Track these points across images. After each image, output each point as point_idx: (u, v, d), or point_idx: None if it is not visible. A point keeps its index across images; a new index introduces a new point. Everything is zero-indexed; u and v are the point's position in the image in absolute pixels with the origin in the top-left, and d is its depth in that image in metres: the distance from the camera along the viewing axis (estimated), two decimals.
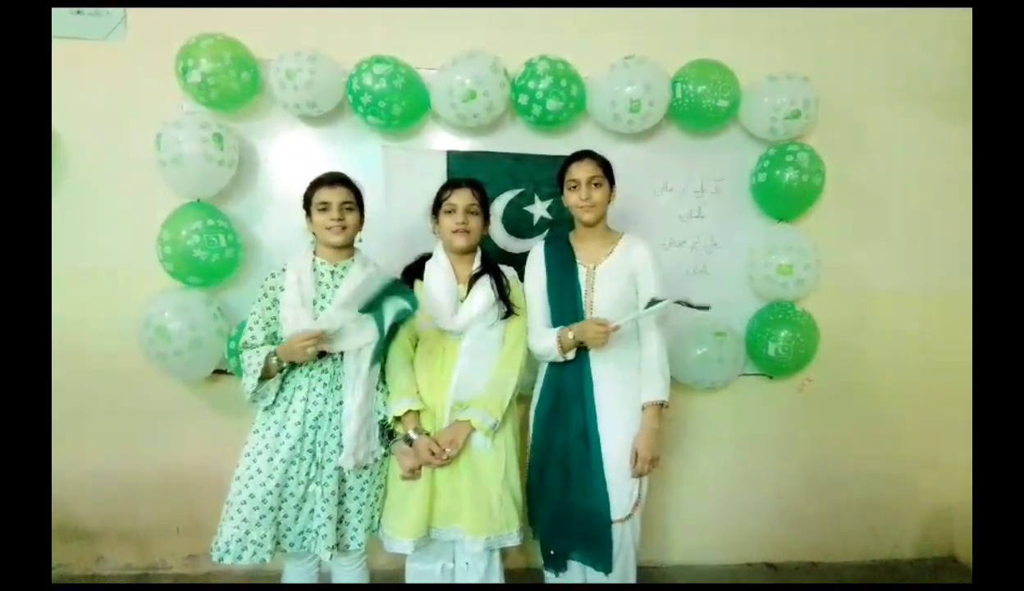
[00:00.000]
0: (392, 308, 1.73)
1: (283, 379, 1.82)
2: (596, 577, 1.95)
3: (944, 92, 2.66)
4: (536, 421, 1.99)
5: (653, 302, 1.81)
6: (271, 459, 1.77)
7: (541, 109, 2.25)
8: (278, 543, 1.80)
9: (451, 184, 1.96)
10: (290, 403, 1.80)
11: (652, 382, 1.91)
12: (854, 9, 2.58)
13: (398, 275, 1.98)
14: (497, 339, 1.92)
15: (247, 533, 1.75)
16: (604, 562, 1.90)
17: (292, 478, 1.79)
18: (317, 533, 1.79)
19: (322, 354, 1.80)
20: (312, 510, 1.80)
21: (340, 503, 1.81)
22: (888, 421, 2.79)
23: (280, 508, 1.79)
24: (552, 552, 1.99)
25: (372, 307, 1.73)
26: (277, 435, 1.79)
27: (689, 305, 1.80)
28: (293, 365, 1.81)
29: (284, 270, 1.85)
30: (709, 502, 2.73)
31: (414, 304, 1.74)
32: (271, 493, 1.76)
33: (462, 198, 1.89)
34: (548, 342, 1.89)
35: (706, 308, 1.80)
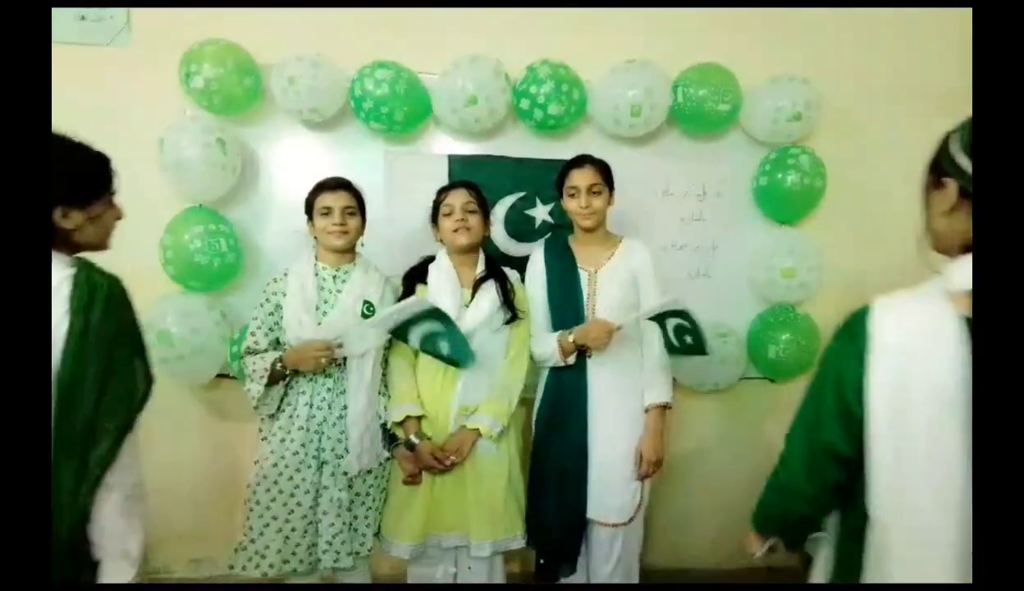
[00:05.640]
0: (418, 334, 1.74)
1: (287, 386, 1.82)
2: (597, 578, 1.94)
3: (946, 93, 2.65)
4: (537, 429, 1.99)
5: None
6: (275, 464, 1.77)
7: (543, 113, 2.26)
8: (285, 561, 1.75)
9: (447, 187, 1.98)
10: (295, 409, 1.80)
11: (655, 384, 1.91)
12: (854, 10, 2.57)
13: (400, 279, 1.98)
14: (502, 344, 1.92)
15: (267, 546, 1.75)
16: (570, 562, 1.93)
17: (299, 486, 1.78)
18: (330, 544, 1.77)
19: None
20: (320, 523, 1.79)
21: (348, 509, 1.82)
22: None
23: (288, 520, 1.76)
24: (542, 561, 1.98)
25: (400, 330, 1.74)
26: (282, 441, 1.79)
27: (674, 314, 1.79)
28: (297, 372, 1.80)
29: (286, 275, 1.86)
30: (711, 505, 2.72)
31: (454, 342, 1.75)
32: (274, 500, 1.76)
33: (458, 197, 1.91)
34: (549, 347, 1.88)
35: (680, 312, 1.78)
